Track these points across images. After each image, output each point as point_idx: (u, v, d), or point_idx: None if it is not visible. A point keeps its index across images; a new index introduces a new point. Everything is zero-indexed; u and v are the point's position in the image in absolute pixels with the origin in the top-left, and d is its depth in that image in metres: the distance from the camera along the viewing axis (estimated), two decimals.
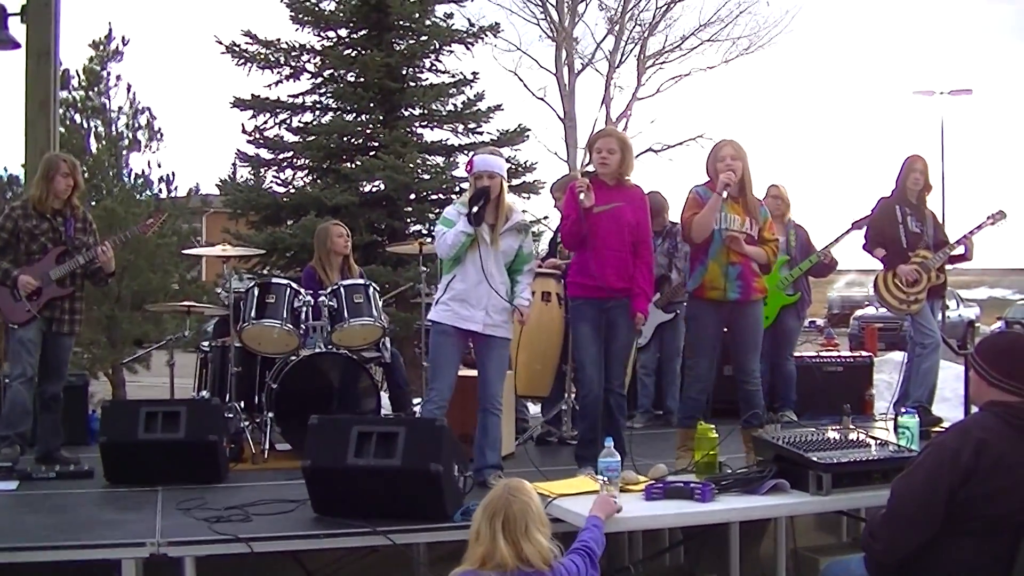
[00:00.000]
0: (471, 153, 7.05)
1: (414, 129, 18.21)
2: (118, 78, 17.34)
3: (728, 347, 7.23)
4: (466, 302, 6.73)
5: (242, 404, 8.38)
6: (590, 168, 7.15)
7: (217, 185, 18.92)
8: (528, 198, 18.43)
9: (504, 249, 6.82)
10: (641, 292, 6.92)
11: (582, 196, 6.72)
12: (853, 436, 5.75)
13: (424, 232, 16.49)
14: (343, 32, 18.24)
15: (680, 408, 7.51)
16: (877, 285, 8.89)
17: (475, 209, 6.61)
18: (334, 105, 18.30)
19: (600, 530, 4.71)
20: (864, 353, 11.39)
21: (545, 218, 17.73)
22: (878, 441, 5.73)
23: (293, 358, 8.20)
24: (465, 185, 6.93)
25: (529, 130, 18.87)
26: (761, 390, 7.17)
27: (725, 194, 6.84)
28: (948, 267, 8.87)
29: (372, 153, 17.35)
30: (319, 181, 17.81)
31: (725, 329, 7.13)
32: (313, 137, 17.74)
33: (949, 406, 9.62)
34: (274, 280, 8.62)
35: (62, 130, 13.44)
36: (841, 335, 22.47)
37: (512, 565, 4.01)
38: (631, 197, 6.97)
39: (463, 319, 6.74)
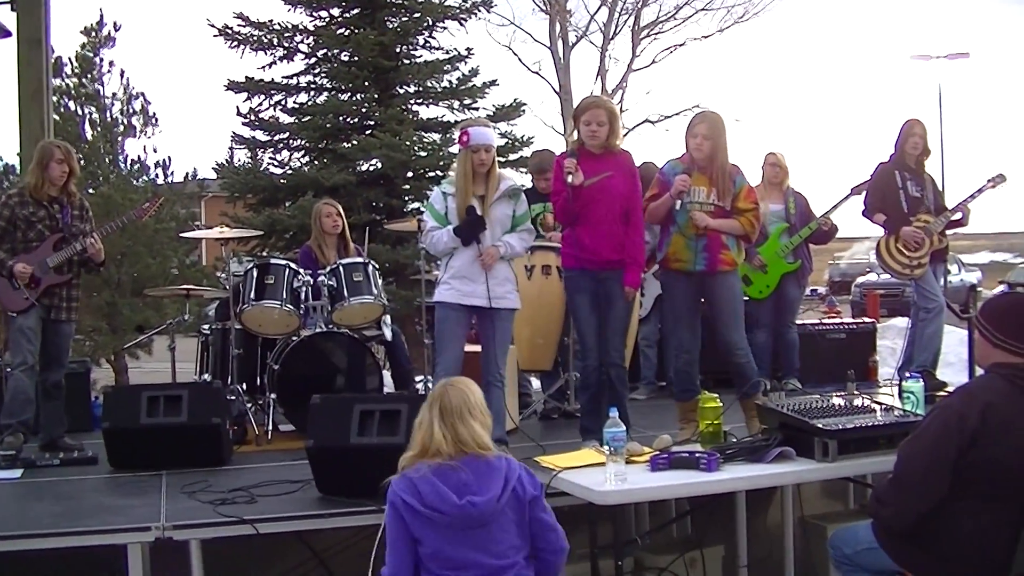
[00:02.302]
0: (462, 124, 7.01)
1: (409, 107, 18.25)
2: (111, 64, 17.33)
3: (708, 318, 7.17)
4: (467, 278, 6.72)
5: (244, 386, 8.37)
6: (575, 137, 7.06)
7: (214, 168, 18.90)
8: (526, 172, 18.43)
9: (499, 217, 6.80)
10: (633, 262, 6.85)
11: (570, 178, 6.66)
12: (858, 402, 5.72)
13: (423, 210, 16.49)
14: (335, 12, 18.25)
15: (674, 382, 7.46)
16: (880, 251, 8.85)
17: (474, 241, 6.68)
18: (329, 85, 18.33)
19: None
20: (867, 319, 11.38)
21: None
22: (883, 406, 5.70)
23: (294, 339, 8.18)
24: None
25: (525, 104, 18.96)
26: (752, 361, 7.05)
27: (679, 204, 6.80)
28: (947, 232, 8.85)
29: (368, 132, 17.37)
30: (316, 162, 17.85)
31: (703, 300, 7.07)
32: (309, 118, 17.76)
33: (953, 370, 9.60)
34: (272, 261, 8.60)
35: (56, 118, 13.43)
36: (843, 303, 22.49)
37: (448, 450, 4.20)
38: (619, 164, 6.87)
39: (466, 295, 6.72)
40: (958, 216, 8.74)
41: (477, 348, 7.00)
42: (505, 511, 4.17)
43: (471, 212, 6.67)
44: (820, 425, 5.28)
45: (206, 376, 8.80)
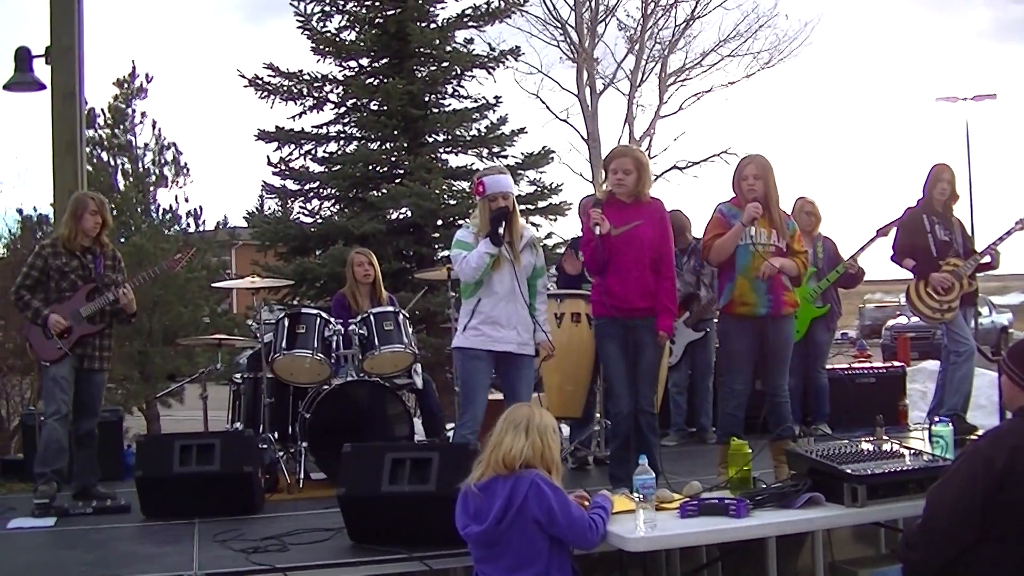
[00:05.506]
0: (478, 174, 7.02)
1: (439, 155, 18.26)
2: (143, 115, 17.59)
3: (758, 361, 7.20)
4: (497, 324, 6.74)
5: (276, 435, 8.40)
6: (605, 187, 7.10)
7: (245, 218, 19.01)
8: (555, 220, 18.45)
9: (524, 266, 6.85)
10: (665, 310, 6.87)
11: (597, 229, 6.70)
12: (887, 447, 5.71)
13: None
14: (364, 61, 18.32)
15: (719, 425, 7.48)
16: (909, 295, 8.87)
17: (500, 230, 6.62)
18: (358, 134, 18.36)
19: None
20: (896, 363, 11.34)
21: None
22: (912, 451, 5.68)
23: (325, 387, 8.22)
24: None
25: (553, 152, 18.90)
26: (789, 403, 7.15)
27: (754, 230, 6.86)
28: (977, 274, 8.84)
29: (398, 180, 17.40)
30: (346, 210, 17.86)
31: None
32: (338, 167, 17.80)
33: (984, 413, 9.56)
34: (304, 310, 8.64)
35: (89, 168, 13.54)
36: (873, 346, 22.39)
37: (482, 465, 4.74)
38: (650, 213, 6.92)
39: (496, 341, 6.74)
40: (987, 259, 8.74)
41: (498, 396, 7.01)
42: (512, 528, 4.58)
43: (495, 214, 6.71)
44: (849, 470, 5.28)
45: (238, 425, 8.86)
